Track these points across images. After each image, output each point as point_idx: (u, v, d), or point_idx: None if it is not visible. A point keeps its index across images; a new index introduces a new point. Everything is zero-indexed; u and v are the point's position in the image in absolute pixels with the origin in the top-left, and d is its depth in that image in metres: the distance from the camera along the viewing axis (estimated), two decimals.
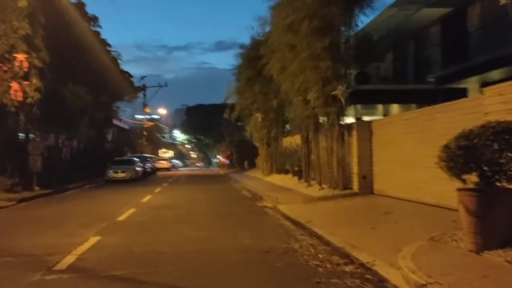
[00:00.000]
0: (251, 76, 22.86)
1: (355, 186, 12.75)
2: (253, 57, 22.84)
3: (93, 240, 7.71)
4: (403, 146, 10.69)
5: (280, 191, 16.01)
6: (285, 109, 22.25)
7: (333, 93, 12.54)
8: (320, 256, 6.42)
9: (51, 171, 20.55)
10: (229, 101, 26.94)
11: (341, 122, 13.14)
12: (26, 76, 16.01)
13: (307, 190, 14.48)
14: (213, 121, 65.34)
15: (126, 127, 55.93)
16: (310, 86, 13.34)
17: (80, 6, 29.72)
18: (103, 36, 31.85)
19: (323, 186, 13.75)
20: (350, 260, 6.08)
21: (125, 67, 35.65)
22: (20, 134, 20.10)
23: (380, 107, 21.16)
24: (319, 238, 7.70)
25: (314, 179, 15.56)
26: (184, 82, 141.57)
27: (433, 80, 17.63)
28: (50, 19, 24.20)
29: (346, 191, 12.84)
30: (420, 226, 7.48)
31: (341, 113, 12.94)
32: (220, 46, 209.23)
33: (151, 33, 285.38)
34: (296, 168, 18.94)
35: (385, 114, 19.98)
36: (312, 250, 6.80)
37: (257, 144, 35.91)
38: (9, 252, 6.82)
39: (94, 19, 31.25)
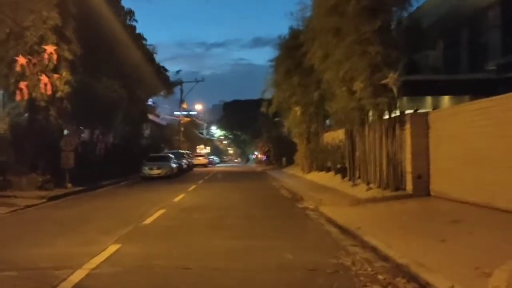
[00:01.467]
0: (290, 67, 21.54)
1: (409, 186, 11.28)
2: (292, 47, 21.55)
3: (112, 249, 6.72)
4: (470, 141, 9.15)
5: (322, 191, 14.69)
6: (325, 103, 20.96)
7: (383, 81, 11.10)
8: (380, 277, 5.17)
9: (85, 167, 20.06)
10: (267, 95, 25.69)
11: (392, 115, 11.66)
12: (56, 69, 15.43)
13: (353, 190, 13.09)
14: (250, 117, 64.35)
15: (164, 123, 55.89)
16: (356, 74, 11.94)
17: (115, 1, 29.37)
18: (140, 30, 31.53)
19: (371, 186, 12.33)
20: (420, 285, 4.80)
21: (163, 64, 35.28)
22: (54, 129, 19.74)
23: (429, 100, 19.37)
24: (374, 250, 6.41)
25: (359, 178, 14.15)
26: (222, 79, 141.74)
27: (494, 68, 15.78)
28: (82, 11, 23.73)
29: (398, 192, 11.39)
30: (505, 241, 6.04)
31: (393, 105, 11.47)
32: (258, 43, 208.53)
33: (190, 30, 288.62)
34: (338, 166, 17.54)
35: (435, 107, 18.21)
36: (369, 269, 5.54)
37: (295, 140, 34.54)
38: (14, 264, 5.92)
39: (129, 13, 30.84)
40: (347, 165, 15.81)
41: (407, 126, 11.29)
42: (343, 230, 8.33)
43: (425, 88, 14.61)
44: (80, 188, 17.91)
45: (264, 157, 49.72)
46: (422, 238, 6.80)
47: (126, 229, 8.48)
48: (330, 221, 9.43)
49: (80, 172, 19.20)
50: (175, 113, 59.77)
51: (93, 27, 24.40)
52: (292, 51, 21.42)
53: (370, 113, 12.76)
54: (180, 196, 14.72)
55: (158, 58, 33.50)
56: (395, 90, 10.98)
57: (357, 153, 14.59)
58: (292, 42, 21.73)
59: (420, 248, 6.10)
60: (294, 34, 21.99)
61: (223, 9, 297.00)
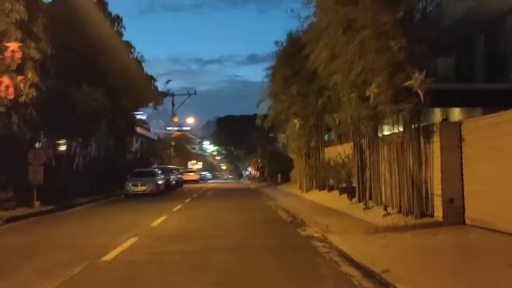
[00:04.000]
0: (288, 75, 19.65)
1: (437, 212, 9.21)
2: (290, 54, 19.74)
3: None
4: None
5: (327, 214, 12.57)
6: (326, 115, 19.01)
7: (407, 83, 9.12)
8: None
9: (59, 183, 17.84)
10: (263, 107, 23.67)
11: (416, 125, 9.66)
12: (20, 70, 13.34)
13: (365, 214, 10.99)
14: (244, 133, 62.58)
15: (155, 137, 53.72)
16: (371, 76, 9.99)
17: (102, 5, 27.57)
18: (135, 46, 29.72)
19: (389, 210, 10.24)
20: None
21: (159, 79, 33.59)
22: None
23: (437, 111, 17.41)
24: None
25: (371, 199, 12.08)
26: (217, 95, 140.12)
27: None
28: (63, 13, 21.98)
29: (425, 220, 9.31)
30: None
31: (418, 112, 9.46)
32: (253, 59, 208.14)
33: (185, 47, 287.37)
34: (343, 185, 15.48)
35: (444, 119, 16.20)
36: None
37: (292, 156, 32.57)
38: None
39: (117, 20, 29.04)
40: (355, 184, 13.76)
41: (435, 138, 9.26)
42: (366, 272, 6.26)
43: (454, 98, 12.50)
44: (50, 207, 15.72)
45: (257, 173, 47.55)
46: None
47: (75, 269, 6.32)
48: (345, 257, 7.35)
49: (53, 189, 17.02)
50: (168, 128, 57.63)
51: (76, 31, 22.50)
52: (291, 58, 19.62)
53: (389, 122, 10.74)
54: (160, 219, 12.54)
55: (153, 73, 31.79)
56: (421, 94, 8.99)
57: (368, 171, 12.56)
58: (291, 49, 19.95)
59: None
60: (293, 40, 20.21)
61: (218, 26, 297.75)
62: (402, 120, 9.71)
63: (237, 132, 68.27)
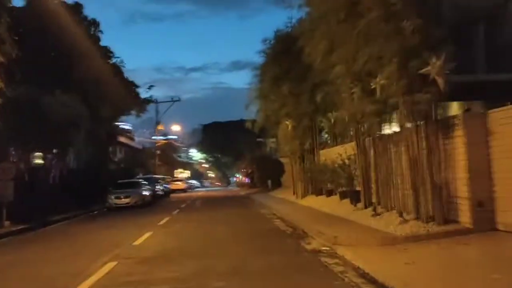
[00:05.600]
0: (278, 74, 18.41)
1: (464, 218, 8.00)
2: (280, 52, 18.57)
3: None
4: None
5: (331, 222, 11.29)
6: (320, 114, 17.78)
7: (423, 71, 7.93)
8: None
9: (33, 199, 16.28)
10: (252, 108, 22.32)
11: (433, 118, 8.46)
12: None
13: (376, 222, 9.74)
14: (230, 139, 61.46)
15: (139, 147, 52.07)
16: (378, 66, 8.79)
17: (77, 8, 26.13)
18: (118, 56, 28.40)
19: (405, 217, 8.99)
20: None
21: (142, 88, 32.40)
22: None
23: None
24: None
25: (379, 204, 10.85)
26: (201, 102, 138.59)
27: None
28: (34, 16, 20.51)
29: (450, 227, 8.09)
30: None
31: (436, 103, 8.27)
32: (236, 66, 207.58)
33: (168, 55, 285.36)
34: (344, 189, 14.26)
35: (468, 108, 14.98)
36: None
37: (283, 160, 31.34)
38: None
39: (93, 24, 27.63)
40: (359, 187, 12.54)
41: (458, 132, 8.06)
42: None
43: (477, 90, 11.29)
44: (22, 226, 14.18)
45: (246, 179, 46.18)
46: None
47: None
48: (366, 277, 6.10)
49: (26, 206, 15.47)
50: (153, 137, 55.91)
51: (48, 35, 21.07)
52: (280, 55, 18.44)
53: (398, 116, 9.53)
54: (145, 236, 11.11)
55: (136, 82, 30.35)
56: (440, 82, 7.80)
57: (374, 173, 11.33)
58: (280, 46, 18.78)
59: None
60: (281, 37, 19.04)
61: (201, 34, 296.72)
62: (416, 114, 8.48)
63: (223, 139, 67.05)
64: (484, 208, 7.76)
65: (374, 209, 10.44)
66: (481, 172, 7.82)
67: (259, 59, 20.58)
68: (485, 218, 7.73)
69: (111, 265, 7.53)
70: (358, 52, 9.24)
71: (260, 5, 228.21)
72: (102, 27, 27.13)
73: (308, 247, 8.82)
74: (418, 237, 7.92)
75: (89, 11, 26.87)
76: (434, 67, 7.81)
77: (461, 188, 8.02)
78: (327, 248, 8.39)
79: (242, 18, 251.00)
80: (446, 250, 7.00)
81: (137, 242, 10.15)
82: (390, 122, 10.35)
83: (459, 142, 8.06)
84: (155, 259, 8.08)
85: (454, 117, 8.42)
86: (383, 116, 10.19)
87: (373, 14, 8.33)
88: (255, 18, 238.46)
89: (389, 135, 10.42)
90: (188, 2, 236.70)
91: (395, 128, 10.23)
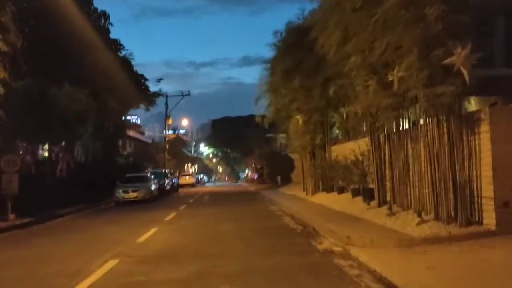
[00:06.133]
0: (289, 67, 17.86)
1: (488, 219, 7.47)
2: (291, 44, 18.00)
3: None
4: None
5: (343, 221, 10.82)
6: (331, 108, 17.24)
7: (447, 61, 7.40)
8: None
9: (40, 193, 16.02)
10: (262, 102, 21.76)
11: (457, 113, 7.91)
12: None
13: (392, 222, 9.24)
14: (240, 134, 61.02)
15: (149, 141, 51.89)
16: (397, 56, 8.28)
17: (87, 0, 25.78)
18: (129, 50, 28.14)
19: (424, 217, 8.47)
20: None
21: (152, 82, 32.07)
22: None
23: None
24: None
25: (395, 202, 10.34)
26: (211, 97, 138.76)
27: None
28: (42, 7, 20.19)
29: (472, 228, 7.57)
30: None
31: (462, 95, 7.73)
32: (247, 61, 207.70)
33: (179, 51, 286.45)
34: (356, 186, 13.76)
35: (495, 102, 14.27)
36: None
37: (293, 156, 30.85)
38: None
39: (103, 15, 27.23)
40: (372, 185, 12.04)
41: (484, 128, 7.50)
42: None
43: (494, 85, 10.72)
44: (27, 220, 13.90)
45: (255, 175, 45.75)
46: None
47: None
48: (384, 282, 5.66)
49: (32, 199, 15.22)
50: (163, 131, 55.71)
51: (57, 26, 20.73)
52: (292, 48, 17.88)
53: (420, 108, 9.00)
54: (150, 232, 10.75)
55: (146, 75, 30.05)
56: (465, 73, 7.26)
57: (389, 170, 10.82)
58: (291, 38, 18.21)
59: None
60: (293, 30, 18.49)
61: (211, 29, 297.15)
62: (439, 108, 7.94)
63: (233, 134, 66.67)
64: (509, 208, 7.24)
65: (390, 208, 9.93)
66: (508, 171, 7.28)
67: (269, 53, 20.13)
68: (510, 220, 7.20)
69: (111, 263, 7.15)
70: (374, 42, 8.72)
71: (271, 1, 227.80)
72: (114, 21, 26.79)
73: (320, 247, 8.36)
74: (438, 239, 7.42)
75: (102, 6, 26.50)
76: (459, 57, 7.27)
77: (485, 187, 7.49)
78: (340, 249, 7.94)
79: (252, 14, 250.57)
80: (469, 254, 6.49)
81: (141, 239, 9.78)
82: (407, 116, 9.78)
83: (484, 138, 7.51)
84: (158, 258, 7.68)
85: (479, 111, 7.86)
86: (400, 110, 9.64)
87: (392, 1, 7.80)
88: (265, 14, 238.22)
89: (406, 130, 9.88)
90: None
91: (413, 123, 9.68)
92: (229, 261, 7.26)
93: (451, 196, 7.90)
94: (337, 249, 7.98)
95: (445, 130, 8.02)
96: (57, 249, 9.14)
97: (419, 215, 8.46)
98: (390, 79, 8.69)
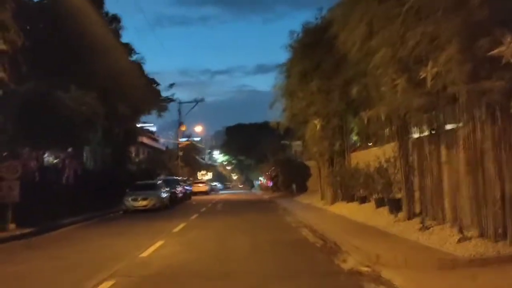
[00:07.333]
0: (306, 69, 16.96)
1: None
2: (308, 45, 17.10)
3: None
4: None
5: (368, 235, 9.74)
6: (350, 113, 16.22)
7: (495, 52, 6.33)
8: None
9: (44, 201, 15.21)
10: (277, 106, 20.75)
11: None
12: None
13: (426, 238, 8.14)
14: (254, 141, 60.15)
15: (162, 148, 51.26)
16: (432, 49, 7.25)
17: (98, 3, 25.20)
18: (145, 60, 27.56)
19: (466, 233, 7.35)
20: None
21: (168, 91, 31.83)
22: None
23: None
24: None
25: (427, 215, 9.24)
26: (226, 105, 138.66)
27: None
28: (50, 8, 19.63)
29: None
30: None
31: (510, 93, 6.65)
32: (261, 69, 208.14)
33: (194, 59, 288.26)
34: (380, 196, 12.67)
35: None
36: None
37: (309, 163, 29.77)
38: None
39: (115, 20, 26.72)
40: (398, 195, 10.95)
41: None
42: None
43: None
44: (28, 230, 13.09)
45: (269, 183, 44.67)
46: None
47: None
48: None
49: (35, 208, 14.41)
50: (181, 140, 55.08)
51: (65, 27, 20.12)
52: (309, 49, 16.99)
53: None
54: (155, 245, 9.80)
55: (161, 85, 29.65)
56: None
57: (418, 178, 9.73)
58: (308, 39, 17.32)
59: None
60: (310, 30, 17.59)
61: (226, 37, 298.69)
62: (485, 106, 6.86)
63: (247, 141, 65.84)
64: None
65: (422, 221, 8.82)
66: None
67: (284, 58, 19.29)
68: None
69: (106, 285, 6.20)
70: (406, 34, 7.69)
71: (285, 10, 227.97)
72: (129, 30, 26.41)
73: (344, 266, 7.32)
74: (486, 260, 6.32)
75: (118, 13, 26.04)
76: (509, 47, 6.20)
77: None
78: (368, 269, 6.89)
79: (266, 22, 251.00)
80: None
81: (144, 254, 8.83)
82: (441, 119, 8.72)
83: None
84: (160, 277, 6.75)
85: None
86: (433, 111, 8.59)
87: None
88: (279, 22, 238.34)
89: (440, 134, 8.81)
90: (213, 6, 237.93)
91: (449, 125, 8.61)
92: (239, 284, 6.26)
93: (499, 209, 6.78)
94: (364, 269, 6.92)
95: (490, 132, 6.92)
96: (50, 265, 8.22)
97: (460, 231, 7.34)
98: (422, 76, 7.67)
